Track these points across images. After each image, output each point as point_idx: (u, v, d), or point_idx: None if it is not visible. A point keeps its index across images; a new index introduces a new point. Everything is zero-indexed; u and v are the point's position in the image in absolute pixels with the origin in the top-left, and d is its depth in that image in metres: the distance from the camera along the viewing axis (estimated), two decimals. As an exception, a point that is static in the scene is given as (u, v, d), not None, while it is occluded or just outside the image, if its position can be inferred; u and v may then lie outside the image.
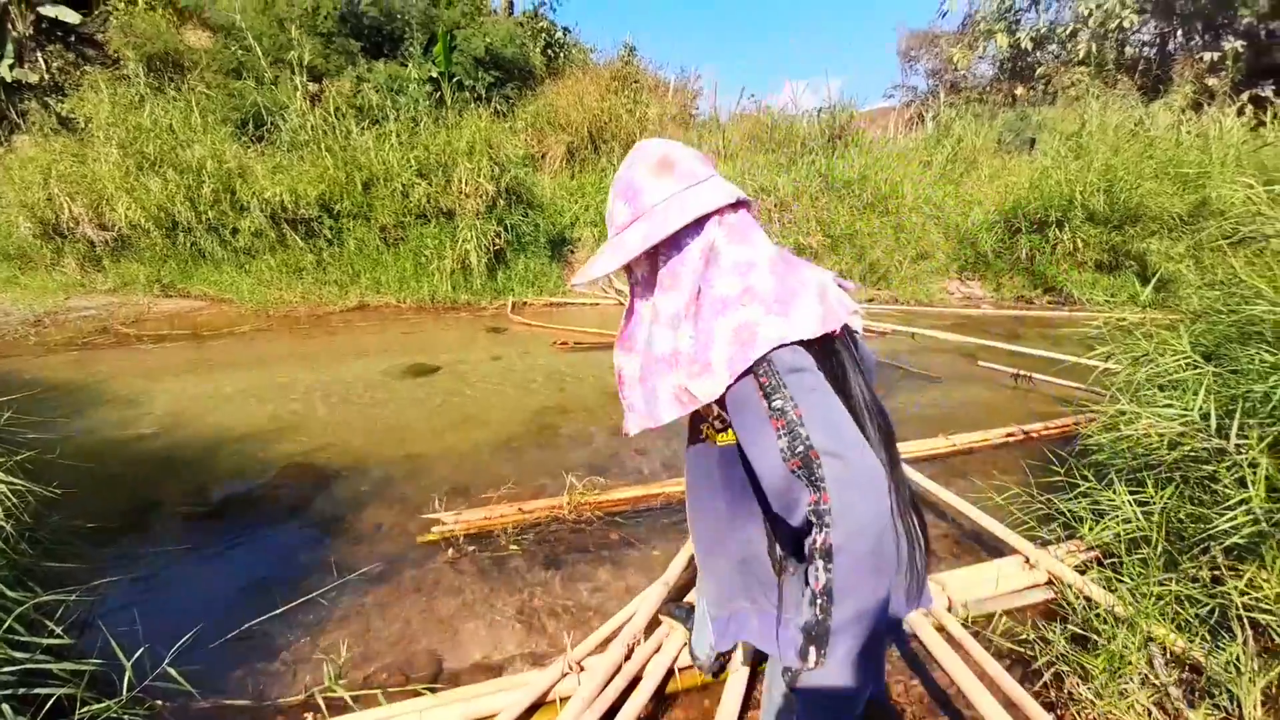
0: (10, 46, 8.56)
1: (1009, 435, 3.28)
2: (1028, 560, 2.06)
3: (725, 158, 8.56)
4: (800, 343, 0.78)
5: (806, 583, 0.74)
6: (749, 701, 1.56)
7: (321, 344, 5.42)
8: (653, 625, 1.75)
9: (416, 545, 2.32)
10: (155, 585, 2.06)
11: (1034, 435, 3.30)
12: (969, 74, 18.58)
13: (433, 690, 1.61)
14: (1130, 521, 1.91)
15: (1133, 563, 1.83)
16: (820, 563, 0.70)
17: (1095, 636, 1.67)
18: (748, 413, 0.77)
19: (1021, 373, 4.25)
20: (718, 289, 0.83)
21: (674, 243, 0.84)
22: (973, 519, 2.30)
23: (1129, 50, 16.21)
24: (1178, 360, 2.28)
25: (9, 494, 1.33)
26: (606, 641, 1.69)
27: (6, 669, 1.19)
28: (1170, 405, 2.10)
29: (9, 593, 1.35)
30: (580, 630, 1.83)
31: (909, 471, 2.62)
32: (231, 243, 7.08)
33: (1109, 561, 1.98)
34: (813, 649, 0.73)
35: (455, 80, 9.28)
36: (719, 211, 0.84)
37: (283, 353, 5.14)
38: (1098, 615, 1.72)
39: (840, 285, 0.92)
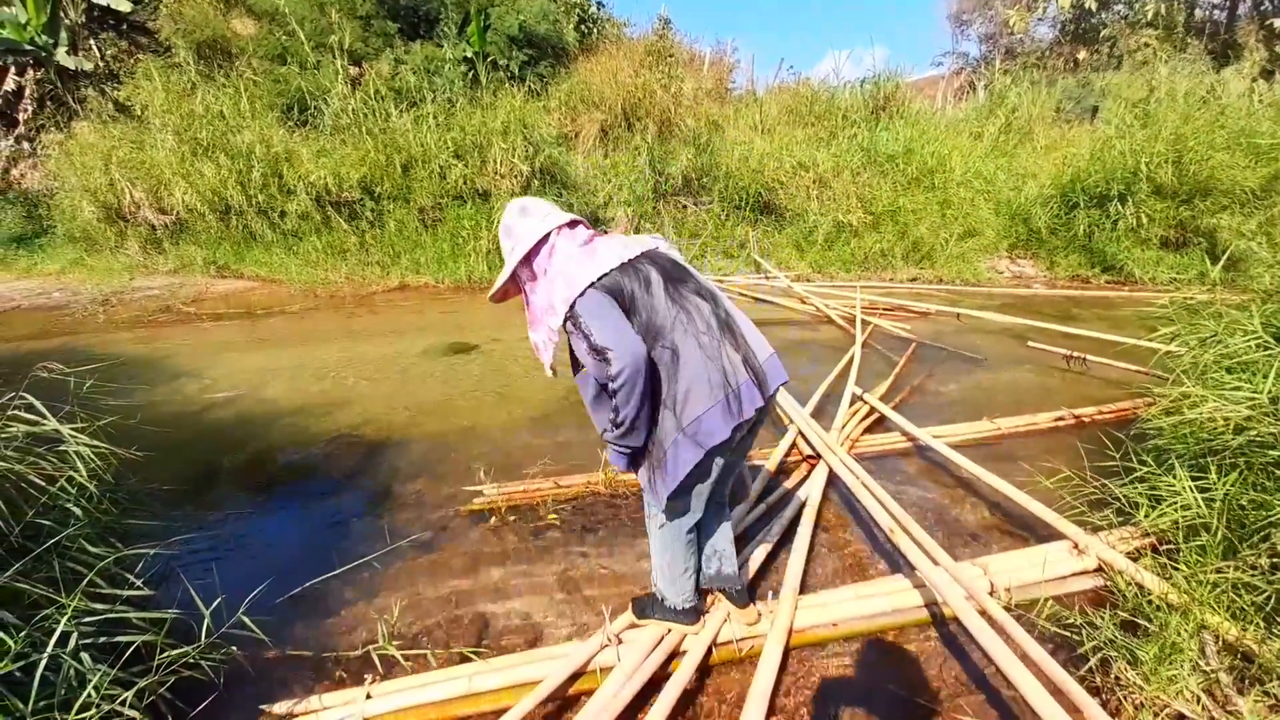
0: (64, 34, 8.96)
1: (1058, 419, 3.16)
2: (1076, 546, 2.00)
3: (762, 133, 8.33)
4: (607, 273, 1.35)
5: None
6: (782, 676, 1.58)
7: (366, 323, 5.61)
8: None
9: (460, 515, 2.42)
10: (224, 544, 2.22)
11: (1086, 420, 3.17)
12: (1026, 37, 17.46)
13: (478, 652, 1.70)
14: (1190, 508, 1.83)
15: (1190, 550, 1.76)
16: (615, 398, 1.31)
17: (1145, 623, 1.62)
18: (575, 338, 1.35)
19: (1075, 354, 4.06)
20: (554, 267, 1.40)
21: (536, 250, 1.42)
22: (1018, 503, 2.24)
23: (1198, 13, 14.94)
24: (1248, 341, 2.16)
25: (93, 456, 1.44)
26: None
27: (88, 619, 1.30)
28: (1239, 388, 1.99)
29: (91, 548, 1.47)
30: (617, 602, 1.88)
31: (953, 455, 2.56)
32: (280, 225, 7.35)
33: (1164, 548, 1.91)
34: (613, 427, 1.37)
35: (489, 60, 9.28)
36: (557, 228, 1.43)
37: (330, 331, 5.35)
38: (1149, 602, 1.67)
39: (653, 238, 1.50)
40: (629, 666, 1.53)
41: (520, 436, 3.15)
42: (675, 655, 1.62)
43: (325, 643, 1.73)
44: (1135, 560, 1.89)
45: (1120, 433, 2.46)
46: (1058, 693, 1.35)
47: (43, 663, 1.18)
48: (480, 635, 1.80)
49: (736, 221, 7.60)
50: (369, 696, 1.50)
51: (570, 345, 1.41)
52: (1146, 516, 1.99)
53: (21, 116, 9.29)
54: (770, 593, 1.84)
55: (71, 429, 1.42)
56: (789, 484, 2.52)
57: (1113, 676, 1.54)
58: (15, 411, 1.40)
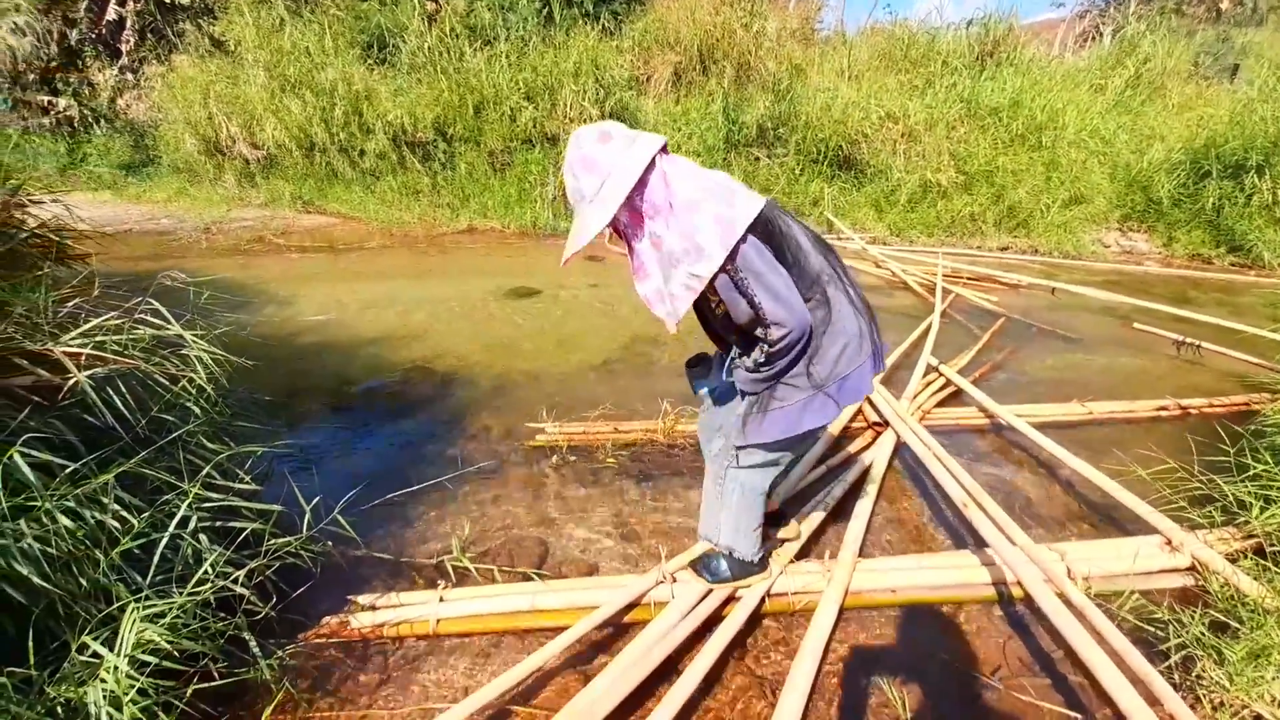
0: (160, -34, 9.34)
1: (1161, 409, 2.89)
2: (1169, 542, 1.86)
3: (849, 79, 7.72)
4: (760, 211, 1.19)
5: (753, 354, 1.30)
6: (834, 633, 1.58)
7: (436, 262, 5.80)
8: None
9: (524, 449, 2.52)
10: (314, 454, 2.41)
11: (1193, 411, 2.89)
12: (1170, -25, 15.07)
13: (540, 575, 1.79)
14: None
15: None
16: (761, 350, 1.25)
17: (1236, 625, 1.52)
18: (729, 289, 1.20)
19: (1187, 340, 3.67)
20: (681, 196, 1.17)
21: (641, 184, 1.15)
22: (1105, 492, 2.09)
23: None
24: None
25: (211, 362, 1.58)
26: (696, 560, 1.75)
27: (204, 506, 1.45)
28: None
29: (208, 444, 1.64)
30: (670, 544, 1.92)
31: (1035, 435, 2.41)
32: (359, 164, 7.60)
33: (1271, 550, 1.74)
34: (754, 368, 1.30)
35: (564, -4, 8.97)
36: (660, 151, 1.18)
37: (405, 268, 5.58)
38: (1244, 604, 1.55)
39: None
40: (684, 604, 1.57)
41: (580, 381, 3.21)
42: (730, 600, 1.65)
43: (402, 549, 1.88)
44: (1233, 562, 1.75)
45: (1231, 428, 2.23)
46: (1137, 683, 1.28)
47: (164, 541, 1.33)
48: (540, 560, 1.90)
49: (812, 176, 7.18)
50: (442, 599, 1.62)
51: (724, 298, 1.26)
52: (1258, 516, 1.82)
53: (124, 47, 9.88)
54: (827, 553, 1.83)
55: (192, 335, 1.55)
56: (852, 449, 2.46)
57: (1194, 675, 1.46)
58: (143, 315, 1.54)
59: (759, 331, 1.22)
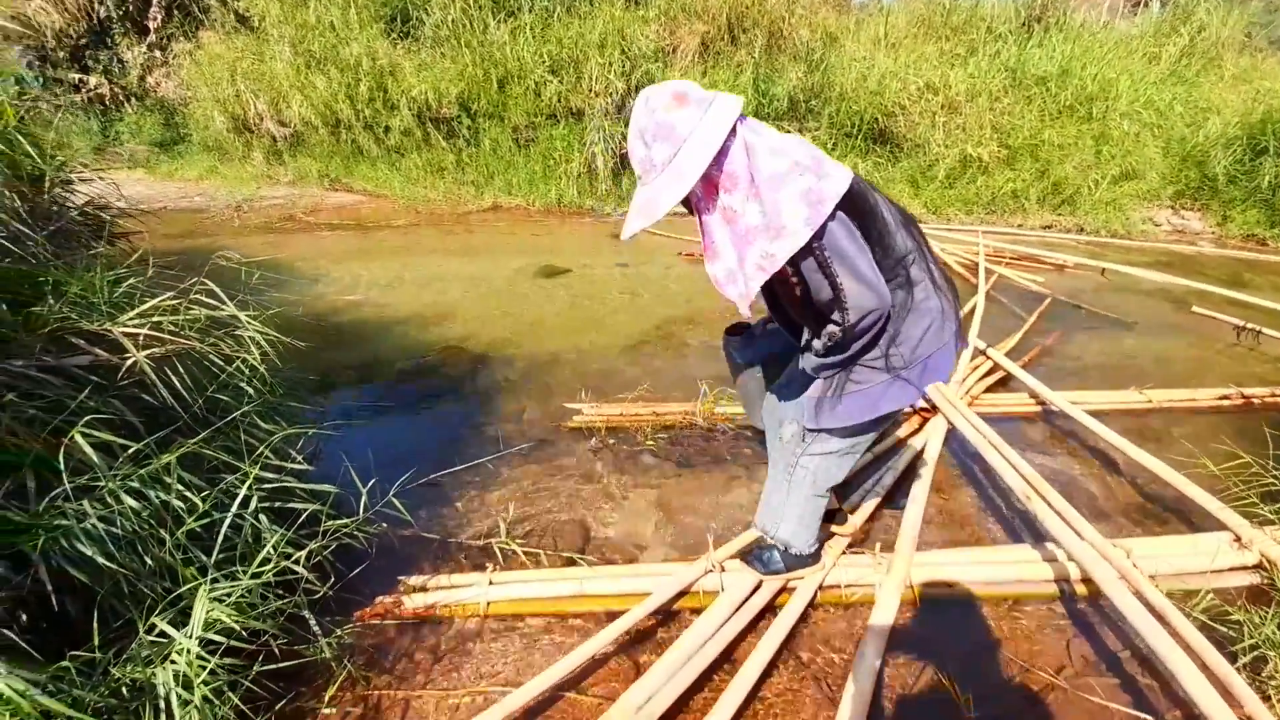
0: (184, -59, 9.26)
1: (1223, 398, 2.76)
2: (1238, 539, 1.78)
3: (886, 48, 7.39)
4: (850, 185, 1.08)
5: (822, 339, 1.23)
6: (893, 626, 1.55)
7: (463, 241, 5.78)
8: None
9: (561, 431, 2.50)
10: (356, 434, 2.42)
11: (1256, 401, 2.75)
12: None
13: (583, 559, 1.78)
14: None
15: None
16: (833, 334, 1.18)
17: None
18: (812, 270, 1.11)
19: (1248, 325, 3.49)
20: (765, 170, 1.05)
21: (721, 153, 1.05)
22: (1169, 485, 2.00)
23: None
24: None
25: (264, 342, 1.58)
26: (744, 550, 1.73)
27: (264, 485, 1.45)
28: None
29: (262, 424, 1.65)
30: (714, 533, 1.89)
31: (1093, 424, 2.31)
32: (384, 141, 7.56)
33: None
34: (822, 352, 1.23)
35: (590, -37, 8.69)
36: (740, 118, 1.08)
37: (432, 246, 5.57)
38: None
39: None
40: (735, 596, 1.55)
41: (614, 361, 3.18)
42: (782, 591, 1.62)
43: (448, 529, 1.89)
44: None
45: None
46: (1216, 685, 1.23)
47: (226, 521, 1.34)
48: (583, 543, 1.89)
49: (845, 151, 6.94)
50: (491, 583, 1.62)
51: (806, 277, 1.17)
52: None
53: (152, 25, 9.89)
54: (879, 545, 1.78)
55: (246, 316, 1.55)
56: (900, 434, 2.40)
57: (1264, 675, 1.40)
58: (197, 295, 1.54)
59: (836, 315, 1.14)
